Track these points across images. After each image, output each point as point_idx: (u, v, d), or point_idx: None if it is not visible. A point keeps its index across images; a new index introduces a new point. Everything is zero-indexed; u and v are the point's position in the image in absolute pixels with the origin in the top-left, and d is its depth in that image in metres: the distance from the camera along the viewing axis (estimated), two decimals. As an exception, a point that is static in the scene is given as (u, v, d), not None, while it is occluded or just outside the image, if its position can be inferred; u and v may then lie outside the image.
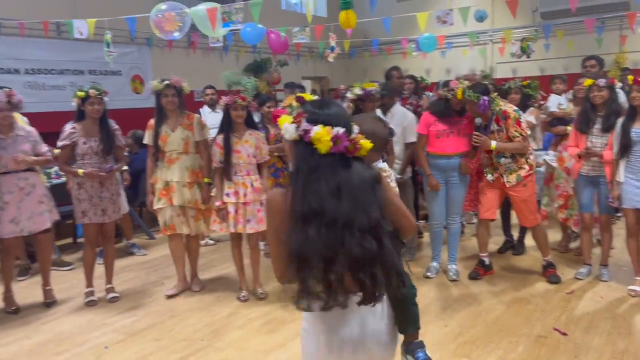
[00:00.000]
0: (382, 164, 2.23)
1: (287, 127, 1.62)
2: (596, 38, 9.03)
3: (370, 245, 1.55)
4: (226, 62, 9.84)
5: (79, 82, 7.23)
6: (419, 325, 1.94)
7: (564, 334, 3.35)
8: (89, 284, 4.27)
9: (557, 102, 5.16)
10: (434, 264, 4.50)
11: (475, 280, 4.35)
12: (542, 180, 4.98)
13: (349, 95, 4.41)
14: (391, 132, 4.38)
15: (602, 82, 3.98)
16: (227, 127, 4.06)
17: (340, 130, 1.59)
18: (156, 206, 4.17)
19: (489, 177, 4.22)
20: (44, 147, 4.08)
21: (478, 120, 4.16)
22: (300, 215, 1.55)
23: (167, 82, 4.03)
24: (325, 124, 1.59)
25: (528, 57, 9.31)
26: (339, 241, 1.53)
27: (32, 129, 4.14)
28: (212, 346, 3.42)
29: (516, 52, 9.33)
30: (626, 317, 3.56)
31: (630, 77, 3.87)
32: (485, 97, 3.98)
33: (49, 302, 4.19)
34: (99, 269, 4.38)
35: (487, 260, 4.45)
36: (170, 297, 4.26)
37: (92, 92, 3.97)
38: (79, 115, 4.08)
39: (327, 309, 1.58)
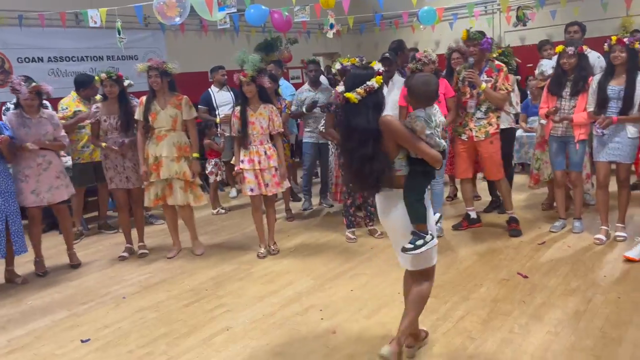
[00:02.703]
0: (418, 112, 2.66)
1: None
2: (602, 3, 9.06)
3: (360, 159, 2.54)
4: (237, 43, 10.23)
5: (98, 67, 7.76)
6: (420, 222, 2.57)
7: (525, 277, 3.72)
8: (127, 240, 4.94)
9: (550, 66, 5.40)
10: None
11: (456, 235, 4.74)
12: (534, 145, 5.26)
13: (333, 70, 4.89)
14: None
15: (570, 49, 4.24)
16: (243, 101, 4.50)
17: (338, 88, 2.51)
18: (150, 180, 4.59)
19: (464, 137, 4.59)
20: (62, 132, 4.60)
21: (471, 60, 4.47)
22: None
23: (149, 64, 4.47)
24: (361, 82, 2.62)
25: (524, 25, 9.40)
26: (349, 156, 2.60)
27: (54, 113, 4.70)
28: (214, 294, 3.91)
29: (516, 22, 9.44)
30: (586, 262, 3.90)
31: (614, 38, 4.09)
32: (489, 37, 4.45)
33: (75, 265, 4.74)
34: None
35: (472, 214, 4.85)
36: (170, 258, 4.76)
37: (102, 76, 4.55)
38: (104, 96, 4.67)
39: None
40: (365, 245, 4.74)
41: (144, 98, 4.61)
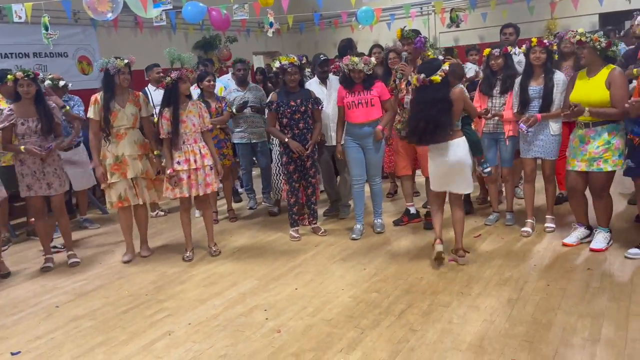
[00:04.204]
0: (459, 86, 3.92)
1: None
2: (528, 6, 9.54)
3: (435, 121, 3.68)
4: (175, 41, 9.98)
5: (24, 65, 7.24)
6: (482, 153, 4.04)
7: (454, 261, 3.95)
8: (46, 252, 4.63)
9: (473, 69, 5.63)
10: (358, 226, 4.81)
11: (398, 231, 4.85)
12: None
13: (273, 68, 4.84)
14: (317, 102, 4.82)
15: (496, 51, 4.45)
16: (175, 100, 4.35)
17: (420, 75, 3.73)
18: (111, 181, 4.41)
19: (403, 133, 4.68)
20: None
21: (404, 54, 4.66)
22: (412, 109, 3.92)
23: (127, 60, 4.30)
24: (434, 70, 3.73)
25: (457, 26, 9.76)
26: (424, 120, 3.70)
27: None
28: (154, 299, 3.79)
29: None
30: (517, 253, 4.09)
31: (534, 40, 4.31)
32: (423, 36, 4.64)
33: (4, 274, 4.45)
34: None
35: (412, 210, 5.00)
36: (126, 262, 4.59)
37: (19, 74, 4.23)
38: (16, 97, 4.34)
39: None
40: (309, 243, 4.75)
41: (98, 96, 4.36)
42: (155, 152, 4.60)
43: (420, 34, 4.67)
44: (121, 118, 4.37)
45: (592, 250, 3.96)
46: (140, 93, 4.56)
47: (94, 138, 4.41)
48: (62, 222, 4.67)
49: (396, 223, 5.01)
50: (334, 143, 5.11)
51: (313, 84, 5.23)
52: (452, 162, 3.82)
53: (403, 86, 4.68)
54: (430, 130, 3.67)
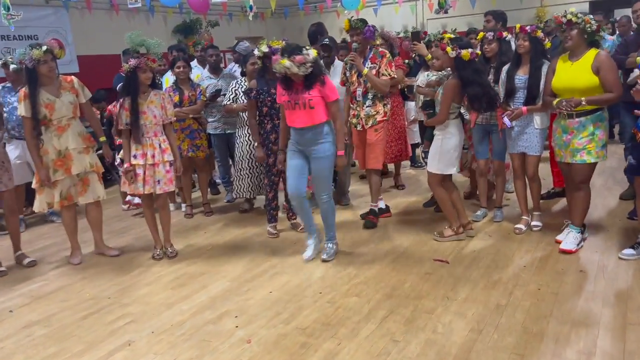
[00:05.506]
0: None
1: (451, 52, 3.78)
2: (518, -7, 9.32)
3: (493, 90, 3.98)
4: (153, 24, 9.59)
5: (-11, 48, 6.94)
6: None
7: (446, 262, 3.71)
8: None
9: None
10: (310, 242, 4.09)
11: (381, 229, 4.60)
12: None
13: (256, 52, 4.44)
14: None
15: (490, 34, 4.19)
16: (134, 89, 4.02)
17: (470, 49, 3.76)
18: (54, 178, 4.01)
19: (358, 127, 4.54)
20: None
21: (355, 45, 4.47)
22: (468, 83, 3.82)
23: (46, 47, 3.88)
24: (465, 48, 3.77)
25: (446, 12, 9.50)
26: (481, 88, 3.83)
27: None
28: (117, 303, 3.51)
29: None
30: (506, 252, 3.86)
31: (517, 26, 4.06)
32: (371, 25, 4.42)
33: None
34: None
35: (380, 204, 4.80)
36: (77, 264, 4.26)
37: None
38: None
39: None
40: (288, 240, 4.49)
41: (26, 91, 3.91)
42: (102, 139, 4.28)
43: (368, 24, 4.45)
44: (60, 109, 3.97)
45: (561, 250, 3.75)
46: (74, 77, 4.16)
47: (29, 138, 3.95)
48: (11, 221, 4.30)
49: (363, 217, 4.78)
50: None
51: None
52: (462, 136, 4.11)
53: (354, 78, 4.51)
54: (492, 97, 3.88)
